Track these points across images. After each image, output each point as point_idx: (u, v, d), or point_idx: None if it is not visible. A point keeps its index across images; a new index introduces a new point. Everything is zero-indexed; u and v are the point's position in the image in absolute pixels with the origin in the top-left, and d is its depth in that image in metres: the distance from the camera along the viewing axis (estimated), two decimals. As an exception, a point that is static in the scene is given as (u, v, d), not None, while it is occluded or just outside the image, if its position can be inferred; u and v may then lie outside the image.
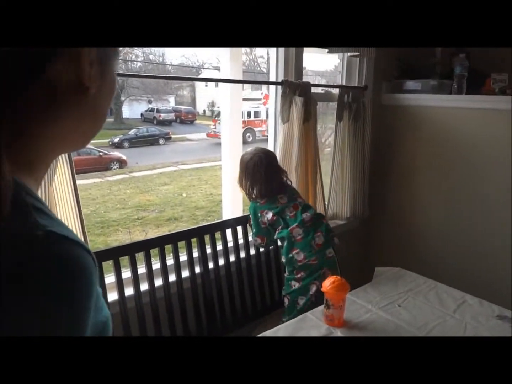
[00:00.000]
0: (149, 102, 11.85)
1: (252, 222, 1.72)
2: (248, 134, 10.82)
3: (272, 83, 1.93)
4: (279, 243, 1.75)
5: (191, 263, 1.65)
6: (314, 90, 1.93)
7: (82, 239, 1.31)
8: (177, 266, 1.61)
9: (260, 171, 1.66)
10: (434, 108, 2.21)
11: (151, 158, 9.21)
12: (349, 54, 2.17)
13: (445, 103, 2.15)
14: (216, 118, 11.01)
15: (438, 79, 2.18)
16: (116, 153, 8.42)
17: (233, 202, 2.00)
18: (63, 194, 1.28)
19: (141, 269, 1.53)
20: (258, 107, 11.36)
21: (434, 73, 2.21)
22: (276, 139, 2.00)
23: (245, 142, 10.50)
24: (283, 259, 1.69)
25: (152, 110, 11.65)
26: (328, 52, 1.97)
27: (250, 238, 1.85)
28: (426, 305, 1.48)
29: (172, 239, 1.61)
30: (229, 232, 1.83)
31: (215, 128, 10.96)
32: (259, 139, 11.07)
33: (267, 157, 1.70)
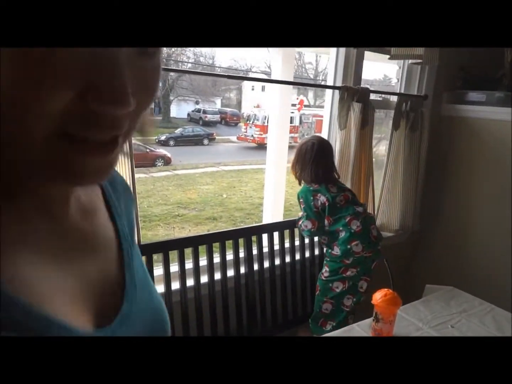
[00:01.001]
0: (196, 103, 12.14)
1: (304, 206, 1.70)
2: None
3: (331, 87, 1.90)
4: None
5: (236, 262, 1.66)
6: (372, 96, 1.89)
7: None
8: (223, 265, 1.62)
9: (312, 155, 1.66)
10: (497, 121, 2.09)
11: (194, 158, 9.41)
12: (410, 61, 2.10)
13: (509, 117, 2.03)
14: (248, 122, 11.10)
15: (505, 91, 2.07)
16: (162, 151, 8.67)
17: (275, 206, 2.00)
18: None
19: (188, 265, 1.55)
20: (292, 112, 11.32)
21: (501, 85, 2.10)
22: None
23: None
24: (337, 252, 1.65)
25: (198, 110, 11.92)
26: (389, 58, 1.92)
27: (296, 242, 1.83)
28: (482, 329, 1.40)
29: (219, 237, 1.62)
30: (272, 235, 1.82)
31: (246, 132, 11.05)
32: (291, 145, 10.99)
33: (321, 144, 1.70)
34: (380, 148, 2.92)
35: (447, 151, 2.33)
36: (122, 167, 1.31)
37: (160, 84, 1.19)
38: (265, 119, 10.50)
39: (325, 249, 1.76)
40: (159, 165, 8.00)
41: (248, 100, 12.60)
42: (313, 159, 1.66)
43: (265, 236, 1.79)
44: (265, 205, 2.06)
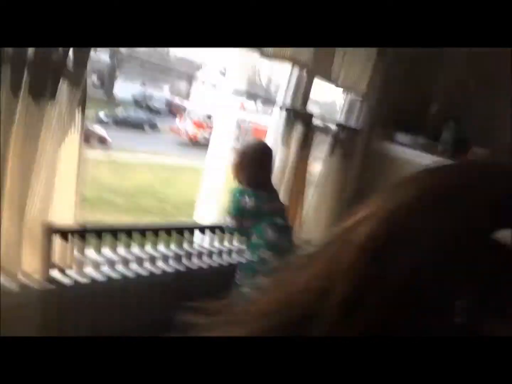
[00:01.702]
0: (143, 84, 11.78)
1: (232, 204, 1.77)
2: None
3: (280, 107, 2.07)
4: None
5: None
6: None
7: (75, 212, 1.39)
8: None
9: (253, 160, 1.75)
10: (421, 165, 2.37)
11: (133, 143, 9.13)
12: (351, 97, 2.34)
13: (429, 162, 2.32)
14: (183, 113, 10.69)
15: (427, 139, 2.38)
16: (100, 129, 8.31)
17: (208, 206, 2.07)
18: (68, 163, 1.35)
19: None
20: None
21: (427, 132, 2.41)
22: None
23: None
24: (248, 255, 1.77)
25: (144, 94, 11.58)
26: (336, 86, 2.14)
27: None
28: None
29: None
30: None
31: (180, 124, 10.52)
32: None
33: (263, 149, 1.80)
34: (316, 168, 3.15)
35: (373, 182, 2.56)
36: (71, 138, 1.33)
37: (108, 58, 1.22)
38: (202, 115, 10.23)
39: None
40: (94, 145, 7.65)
41: (197, 94, 12.52)
42: (251, 164, 1.75)
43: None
44: (198, 203, 2.11)
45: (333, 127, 2.33)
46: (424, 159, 2.33)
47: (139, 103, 11.45)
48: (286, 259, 1.53)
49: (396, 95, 2.44)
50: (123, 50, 10.78)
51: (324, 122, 2.28)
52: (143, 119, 10.53)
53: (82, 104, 1.30)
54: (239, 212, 1.76)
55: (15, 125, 1.18)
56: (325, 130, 2.33)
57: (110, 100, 10.72)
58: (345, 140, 2.33)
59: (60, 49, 1.19)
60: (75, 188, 1.39)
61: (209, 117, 10.27)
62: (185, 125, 10.36)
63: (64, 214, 1.39)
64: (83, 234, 1.46)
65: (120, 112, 10.25)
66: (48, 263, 1.37)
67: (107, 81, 10.97)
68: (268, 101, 10.28)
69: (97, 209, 5.56)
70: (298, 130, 2.00)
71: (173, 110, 11.53)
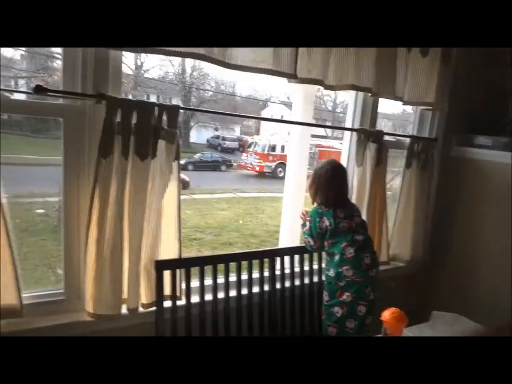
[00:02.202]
0: (216, 129, 12.58)
1: (311, 224, 1.88)
2: (279, 169, 10.62)
3: (350, 129, 2.16)
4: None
5: (249, 283, 1.82)
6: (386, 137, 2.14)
7: (178, 246, 1.60)
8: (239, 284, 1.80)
9: (325, 180, 1.83)
10: (502, 164, 2.31)
11: (212, 183, 9.70)
12: (422, 107, 2.35)
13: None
14: (248, 149, 11.11)
15: (509, 137, 2.30)
16: (181, 175, 8.95)
17: (290, 235, 2.13)
18: (170, 207, 1.57)
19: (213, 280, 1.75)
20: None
21: (505, 131, 2.33)
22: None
23: (275, 177, 10.48)
24: (331, 273, 1.83)
25: (217, 137, 12.33)
26: (403, 104, 2.17)
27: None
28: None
29: (236, 258, 1.81)
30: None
31: (246, 159, 11.03)
32: None
33: (334, 169, 1.86)
34: (396, 182, 3.13)
35: (455, 189, 2.54)
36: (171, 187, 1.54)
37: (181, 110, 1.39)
38: (265, 147, 10.65)
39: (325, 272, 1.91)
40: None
41: (267, 128, 12.98)
42: (325, 184, 1.83)
43: (278, 260, 1.94)
44: (281, 233, 2.20)
45: (406, 140, 2.35)
46: (507, 158, 2.25)
47: (215, 146, 12.17)
48: (370, 275, 1.59)
49: (468, 98, 2.41)
50: (193, 100, 11.68)
51: (397, 136, 2.31)
52: (219, 160, 11.15)
53: (177, 156, 1.51)
54: (319, 232, 1.86)
55: (127, 182, 1.42)
56: (399, 144, 2.36)
57: (188, 147, 11.54)
58: (421, 151, 2.33)
59: (156, 114, 1.41)
60: (177, 228, 1.58)
61: (273, 148, 10.69)
62: (251, 159, 10.88)
63: (170, 251, 1.59)
64: (188, 267, 1.65)
65: (198, 156, 10.98)
66: (162, 295, 1.57)
67: (183, 132, 11.88)
68: (339, 122, 10.30)
69: (187, 247, 5.96)
70: (370, 148, 2.06)
71: (240, 147, 12.10)
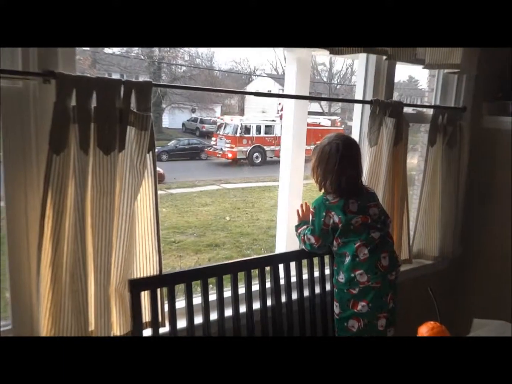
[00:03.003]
0: (193, 111, 12.42)
1: (315, 218, 1.74)
2: (255, 154, 10.57)
3: (361, 101, 2.05)
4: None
5: (249, 297, 1.74)
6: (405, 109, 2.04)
7: (158, 260, 1.49)
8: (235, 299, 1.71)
9: (335, 160, 1.68)
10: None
11: (191, 174, 9.60)
12: (446, 70, 2.26)
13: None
14: (218, 133, 10.90)
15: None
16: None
17: (289, 230, 2.03)
18: (145, 211, 1.45)
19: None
20: (273, 120, 11.09)
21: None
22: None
23: (252, 164, 10.28)
24: (340, 278, 1.73)
25: (195, 120, 12.20)
26: (424, 68, 2.08)
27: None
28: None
29: (230, 269, 1.71)
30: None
31: (215, 144, 10.81)
32: (271, 161, 10.72)
33: (347, 146, 1.72)
34: (412, 162, 3.05)
35: (490, 167, 2.47)
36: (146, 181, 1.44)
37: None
38: (237, 129, 10.51)
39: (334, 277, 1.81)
40: (150, 183, 8.15)
41: (253, 107, 12.87)
42: (338, 166, 1.68)
43: (281, 267, 1.84)
44: (278, 230, 2.12)
45: (428, 112, 2.26)
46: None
47: (192, 131, 12.04)
48: (388, 279, 1.57)
49: (500, 58, 2.34)
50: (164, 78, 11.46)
51: (417, 108, 2.22)
52: (199, 146, 11.02)
53: (151, 146, 1.41)
54: (323, 229, 1.73)
55: (89, 183, 1.29)
56: (420, 117, 2.27)
57: (161, 133, 11.38)
58: (446, 124, 2.24)
59: (123, 94, 1.30)
60: (154, 237, 1.48)
61: (247, 129, 10.54)
62: (220, 144, 10.69)
63: (147, 267, 1.49)
64: (172, 285, 1.54)
65: (173, 144, 10.83)
66: (139, 322, 1.46)
67: (154, 115, 11.72)
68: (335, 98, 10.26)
69: (165, 252, 5.86)
70: (387, 123, 1.97)
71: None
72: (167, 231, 6.54)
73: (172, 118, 12.26)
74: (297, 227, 1.88)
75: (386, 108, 1.97)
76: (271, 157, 10.86)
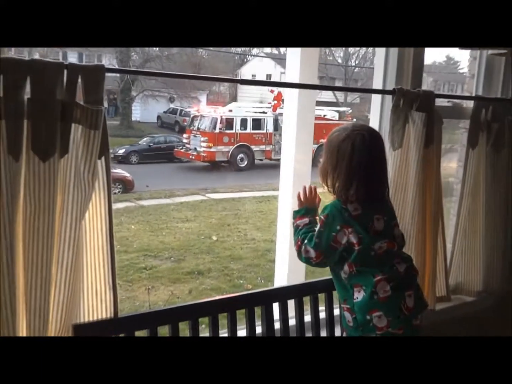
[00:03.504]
0: (171, 100, 12.46)
1: (322, 229, 1.66)
2: (240, 156, 10.52)
3: (381, 91, 2.05)
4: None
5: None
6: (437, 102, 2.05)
7: (112, 298, 1.48)
8: None
9: (363, 158, 1.59)
10: None
11: (168, 181, 9.61)
12: (490, 52, 2.26)
13: None
14: (191, 128, 10.86)
15: None
16: (119, 171, 8.84)
17: (292, 250, 1.95)
18: (95, 232, 1.44)
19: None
20: (264, 112, 11.14)
21: None
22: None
23: (236, 168, 10.09)
24: (349, 323, 1.70)
25: (174, 111, 12.24)
26: (460, 48, 2.08)
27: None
28: None
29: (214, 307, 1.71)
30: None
31: (188, 143, 10.75)
32: (259, 165, 10.78)
33: (375, 139, 1.66)
34: (449, 166, 3.04)
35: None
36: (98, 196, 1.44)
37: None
38: (216, 122, 10.47)
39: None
40: (115, 193, 8.13)
41: (248, 96, 12.93)
42: (367, 166, 1.61)
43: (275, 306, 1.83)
44: (278, 252, 2.13)
45: (469, 104, 2.27)
46: None
47: (171, 125, 12.06)
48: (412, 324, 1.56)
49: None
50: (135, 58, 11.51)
51: (454, 99, 2.22)
52: (177, 146, 11.04)
53: (103, 149, 1.40)
54: (331, 246, 1.65)
55: (20, 198, 1.28)
56: (457, 111, 2.26)
57: (130, 129, 11.39)
58: (491, 120, 2.24)
59: (65, 81, 1.29)
60: (108, 268, 1.47)
61: (229, 123, 10.48)
62: (195, 142, 10.62)
63: (98, 308, 1.48)
64: (131, 331, 1.52)
65: (146, 142, 10.85)
66: None
67: (121, 106, 11.72)
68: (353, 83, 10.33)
69: (133, 282, 5.84)
70: (415, 119, 1.96)
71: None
72: (136, 254, 6.56)
73: (144, 109, 12.29)
74: (296, 214, 1.79)
75: (413, 99, 1.96)
76: (261, 159, 10.96)
